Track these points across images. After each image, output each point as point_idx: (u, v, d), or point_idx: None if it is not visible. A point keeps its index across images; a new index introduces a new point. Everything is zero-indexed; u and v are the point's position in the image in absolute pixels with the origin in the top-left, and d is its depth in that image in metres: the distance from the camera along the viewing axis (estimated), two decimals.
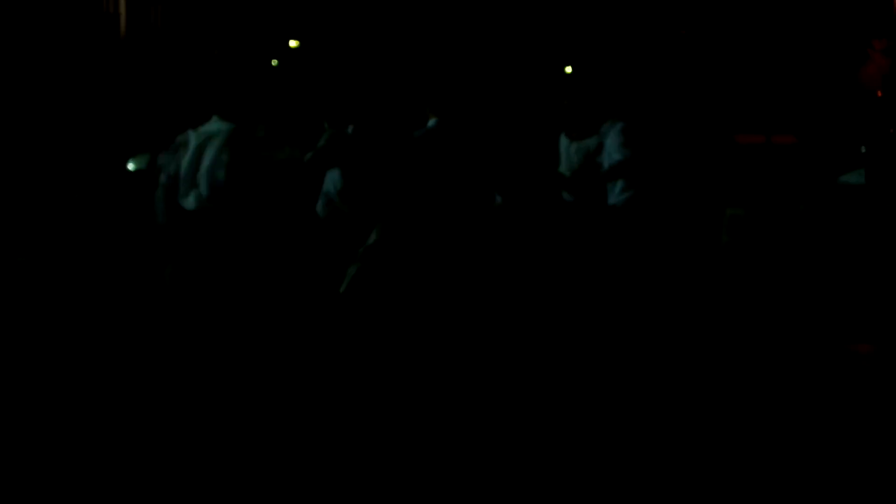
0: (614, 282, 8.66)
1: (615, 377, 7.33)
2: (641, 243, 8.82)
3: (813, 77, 32.47)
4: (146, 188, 10.94)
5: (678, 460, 5.73)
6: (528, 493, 5.31)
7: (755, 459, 5.74)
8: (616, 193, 8.85)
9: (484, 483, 5.42)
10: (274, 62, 35.54)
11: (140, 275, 10.24)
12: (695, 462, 5.70)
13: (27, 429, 6.28)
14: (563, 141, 9.13)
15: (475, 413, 6.52)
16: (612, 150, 8.74)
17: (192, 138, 8.15)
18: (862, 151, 18.55)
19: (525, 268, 8.56)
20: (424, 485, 5.41)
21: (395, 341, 7.81)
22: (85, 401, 6.82)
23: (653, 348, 7.99)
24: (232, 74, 30.60)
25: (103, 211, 11.08)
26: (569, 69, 36.23)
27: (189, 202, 8.08)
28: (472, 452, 5.84)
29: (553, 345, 8.00)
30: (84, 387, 7.13)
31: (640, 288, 8.88)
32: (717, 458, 5.76)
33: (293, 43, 36.41)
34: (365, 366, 7.47)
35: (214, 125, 8.12)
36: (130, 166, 17.24)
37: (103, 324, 8.87)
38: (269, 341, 7.96)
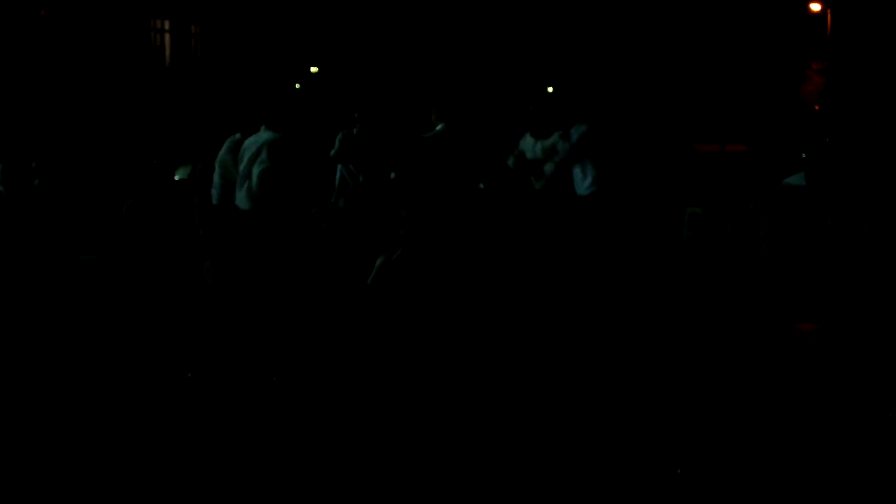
0: (584, 260, 8.64)
1: (584, 349, 7.28)
2: (606, 227, 8.86)
3: (760, 94, 32.49)
4: (189, 193, 10.90)
5: (641, 427, 5.67)
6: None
7: (713, 427, 5.69)
8: (585, 187, 8.93)
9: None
10: (297, 85, 35.53)
11: (183, 267, 10.19)
12: (657, 428, 5.65)
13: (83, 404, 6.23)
14: (528, 140, 9.18)
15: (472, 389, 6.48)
16: (576, 146, 8.86)
17: (249, 145, 8.14)
18: (802, 157, 18.57)
19: (507, 245, 8.59)
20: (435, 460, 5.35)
21: (414, 325, 7.77)
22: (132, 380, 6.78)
23: (622, 328, 7.94)
24: (264, 94, 30.55)
25: (152, 213, 11.02)
26: (550, 89, 36.22)
27: (242, 200, 8.09)
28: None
29: (534, 317, 7.95)
30: (132, 368, 7.09)
31: (612, 273, 8.84)
32: (680, 428, 5.71)
33: (313, 69, 36.39)
34: (388, 348, 7.42)
35: (264, 134, 8.14)
36: (176, 175, 17.23)
37: (158, 310, 8.82)
38: (299, 326, 7.90)
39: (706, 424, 5.68)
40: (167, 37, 34.45)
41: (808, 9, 33.62)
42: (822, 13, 33.49)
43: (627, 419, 5.77)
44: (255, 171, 7.96)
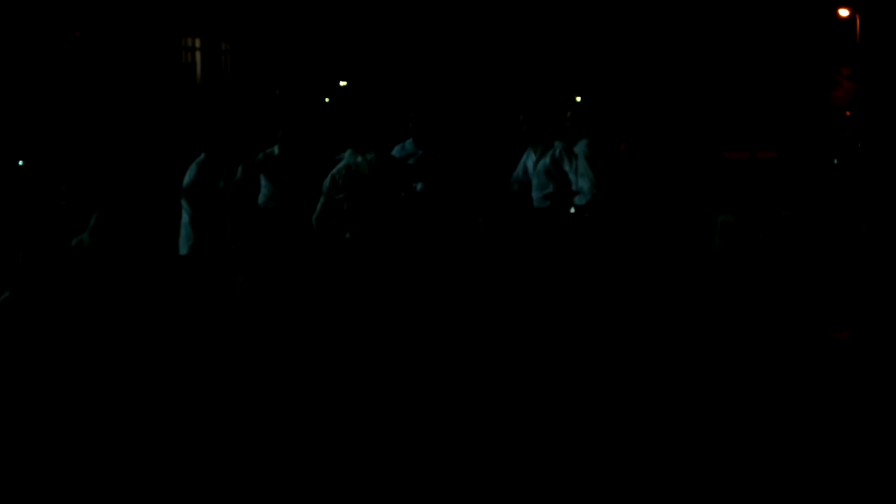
0: (601, 278, 8.35)
1: (617, 365, 7.17)
2: (611, 242, 8.44)
3: (790, 100, 32.24)
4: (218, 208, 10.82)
5: (668, 442, 5.56)
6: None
7: (746, 441, 5.57)
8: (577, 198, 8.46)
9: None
10: (327, 99, 35.64)
11: (217, 278, 10.15)
12: (686, 442, 5.54)
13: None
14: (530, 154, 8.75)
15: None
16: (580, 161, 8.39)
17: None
18: (834, 163, 18.32)
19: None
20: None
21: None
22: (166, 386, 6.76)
23: (652, 338, 7.82)
24: (292, 110, 30.71)
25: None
26: (578, 99, 36.12)
27: None
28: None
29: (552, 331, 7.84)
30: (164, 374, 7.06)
31: (638, 285, 8.70)
32: (710, 442, 5.59)
33: (343, 83, 36.49)
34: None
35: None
36: None
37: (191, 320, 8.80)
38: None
39: (740, 434, 5.57)
40: (198, 55, 34.70)
41: (836, 14, 33.35)
42: (851, 18, 33.20)
43: (655, 427, 5.66)
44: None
